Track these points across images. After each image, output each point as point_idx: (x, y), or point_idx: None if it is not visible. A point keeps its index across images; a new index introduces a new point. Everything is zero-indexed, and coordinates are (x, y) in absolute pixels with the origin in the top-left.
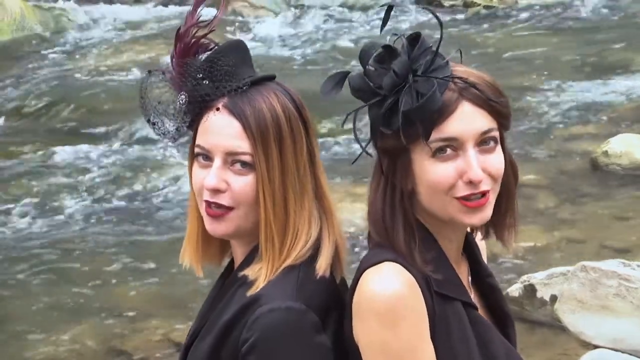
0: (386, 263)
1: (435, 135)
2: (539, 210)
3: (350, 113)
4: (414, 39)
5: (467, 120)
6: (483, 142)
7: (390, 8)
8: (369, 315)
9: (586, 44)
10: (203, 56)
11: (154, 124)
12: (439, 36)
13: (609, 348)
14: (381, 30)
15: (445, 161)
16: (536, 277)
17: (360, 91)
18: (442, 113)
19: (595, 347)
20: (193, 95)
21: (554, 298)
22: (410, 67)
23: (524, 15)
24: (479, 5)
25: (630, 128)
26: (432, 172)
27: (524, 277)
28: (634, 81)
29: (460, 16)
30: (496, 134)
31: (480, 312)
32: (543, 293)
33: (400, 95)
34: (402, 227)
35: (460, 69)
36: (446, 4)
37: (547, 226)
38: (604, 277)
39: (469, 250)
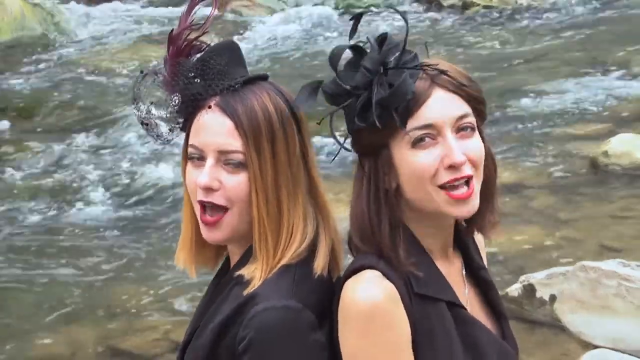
0: (366, 271)
1: (412, 123)
2: (538, 210)
3: (325, 117)
4: (382, 39)
5: (442, 106)
6: (460, 128)
7: (359, 16)
8: (348, 323)
9: (586, 43)
10: (195, 57)
11: (147, 125)
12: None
13: (608, 348)
14: (350, 38)
15: (425, 149)
16: (536, 277)
17: (335, 96)
18: (417, 101)
19: (595, 347)
20: (185, 94)
21: (553, 298)
22: (381, 61)
23: (524, 15)
24: (479, 5)
25: (631, 128)
26: (413, 162)
27: (523, 277)
28: (634, 81)
29: (460, 16)
30: (472, 120)
31: (476, 306)
32: (542, 293)
33: (372, 89)
34: (388, 224)
35: (430, 61)
36: (445, 3)
37: (547, 226)
38: (604, 277)
39: (462, 244)
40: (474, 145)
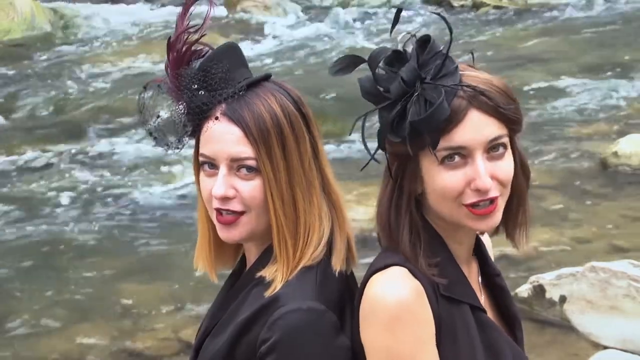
0: (393, 268)
1: (443, 143)
2: (548, 210)
3: (359, 119)
4: (424, 42)
5: (476, 128)
6: (492, 148)
7: (399, 11)
8: (373, 320)
9: (596, 44)
10: (197, 63)
11: (155, 137)
12: (448, 37)
13: (618, 349)
14: (391, 32)
15: (454, 169)
16: (545, 278)
17: (370, 94)
18: (451, 121)
19: (605, 347)
20: (190, 106)
21: (563, 298)
22: (419, 74)
23: (534, 15)
24: (489, 5)
25: None
26: (440, 180)
27: (533, 278)
28: None
29: (470, 16)
30: (506, 140)
31: (490, 312)
32: (552, 293)
33: (408, 103)
34: (408, 230)
35: (470, 74)
36: (455, 4)
37: (557, 226)
38: (613, 278)
39: (478, 250)
40: (505, 166)
